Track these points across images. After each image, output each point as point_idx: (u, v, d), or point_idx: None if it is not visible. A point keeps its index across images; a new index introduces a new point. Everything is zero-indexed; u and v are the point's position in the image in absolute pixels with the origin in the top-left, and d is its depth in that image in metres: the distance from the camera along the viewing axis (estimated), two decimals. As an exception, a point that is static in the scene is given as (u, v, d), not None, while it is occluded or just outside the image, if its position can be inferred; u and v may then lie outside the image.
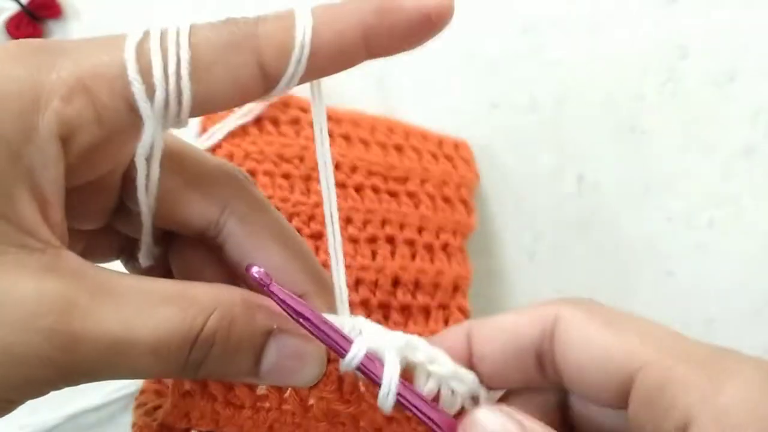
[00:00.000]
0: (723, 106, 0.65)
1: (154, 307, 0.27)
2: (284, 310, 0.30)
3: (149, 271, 0.35)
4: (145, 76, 0.27)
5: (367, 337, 0.32)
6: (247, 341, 0.29)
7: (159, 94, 0.27)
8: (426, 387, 0.32)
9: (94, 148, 0.28)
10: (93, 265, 0.28)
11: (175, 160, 0.32)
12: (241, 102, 0.29)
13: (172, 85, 0.28)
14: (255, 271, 0.29)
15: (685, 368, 0.28)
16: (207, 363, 0.29)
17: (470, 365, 0.33)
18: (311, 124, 0.38)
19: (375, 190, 0.55)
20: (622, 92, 0.65)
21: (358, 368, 0.31)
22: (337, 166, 0.54)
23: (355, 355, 0.31)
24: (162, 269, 0.35)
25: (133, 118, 0.28)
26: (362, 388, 0.33)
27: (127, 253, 0.36)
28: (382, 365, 0.31)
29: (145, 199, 0.31)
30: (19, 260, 0.26)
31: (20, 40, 0.28)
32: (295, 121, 0.56)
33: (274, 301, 0.30)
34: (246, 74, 0.28)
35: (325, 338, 0.30)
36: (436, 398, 0.32)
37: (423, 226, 0.54)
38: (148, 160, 0.30)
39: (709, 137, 0.65)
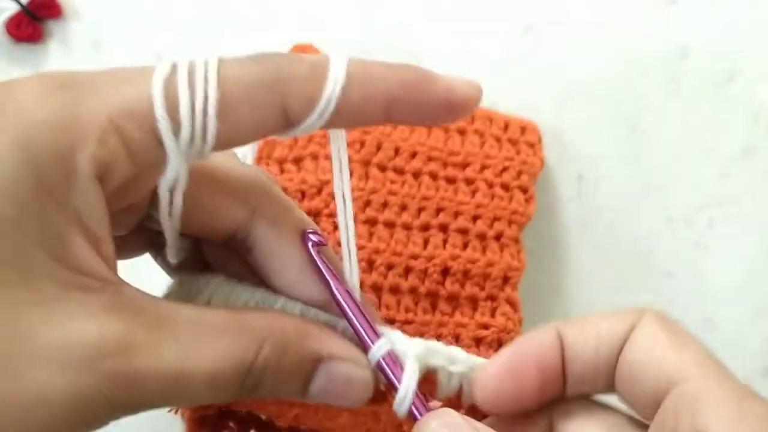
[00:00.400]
0: (723, 106, 0.65)
1: (209, 338, 0.28)
2: (324, 283, 0.32)
3: (181, 265, 0.35)
4: (172, 113, 0.28)
5: (393, 337, 0.33)
6: (297, 368, 0.31)
7: (185, 132, 0.28)
8: (450, 386, 0.34)
9: (128, 182, 0.29)
10: (151, 297, 0.29)
11: (203, 168, 0.33)
12: (258, 139, 0.30)
13: (198, 122, 0.28)
14: (312, 236, 0.31)
15: (720, 392, 0.30)
16: (260, 388, 0.30)
17: (561, 367, 0.33)
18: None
19: (433, 176, 0.55)
20: (622, 92, 0.65)
21: (379, 366, 0.32)
22: (396, 151, 0.55)
23: (380, 348, 0.32)
24: (194, 261, 0.36)
25: (162, 152, 0.29)
26: (382, 387, 0.34)
27: (156, 248, 0.36)
28: (402, 370, 0.33)
29: (168, 224, 0.32)
30: (81, 302, 0.27)
31: (44, 74, 0.29)
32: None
33: (318, 269, 0.32)
34: (269, 115, 0.29)
35: (355, 324, 0.32)
36: (459, 395, 0.35)
37: (478, 215, 0.54)
38: (172, 191, 0.30)
39: (709, 137, 0.65)
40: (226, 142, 0.29)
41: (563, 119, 0.65)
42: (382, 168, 0.54)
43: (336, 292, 0.32)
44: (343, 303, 0.32)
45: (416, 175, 0.55)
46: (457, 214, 0.54)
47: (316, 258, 0.32)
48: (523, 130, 0.61)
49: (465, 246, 0.53)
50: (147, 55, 0.66)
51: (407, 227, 0.53)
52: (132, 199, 0.31)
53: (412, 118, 0.32)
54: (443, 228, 0.53)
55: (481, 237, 0.54)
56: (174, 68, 0.30)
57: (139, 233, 0.35)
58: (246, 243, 0.34)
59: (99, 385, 0.26)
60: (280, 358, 0.30)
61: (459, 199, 0.55)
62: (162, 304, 0.29)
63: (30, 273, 0.26)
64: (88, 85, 0.28)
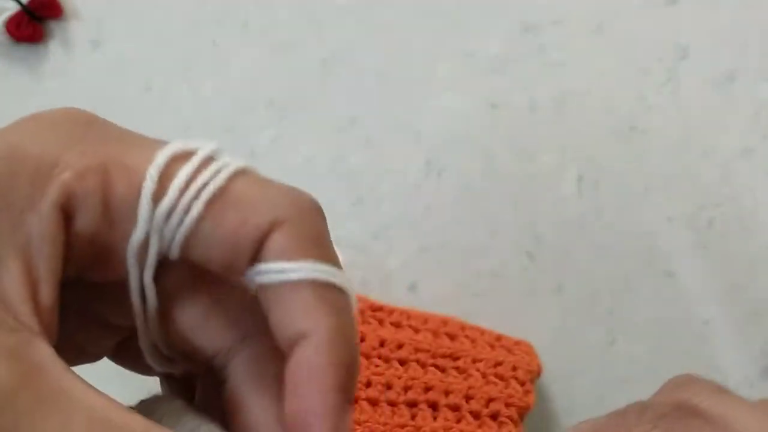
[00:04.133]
0: (723, 106, 0.65)
1: None
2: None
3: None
4: (163, 180, 0.25)
5: None
6: None
7: (165, 204, 0.25)
8: None
9: (97, 239, 0.26)
10: (63, 366, 0.24)
11: (199, 279, 0.28)
12: (224, 271, 0.27)
13: (183, 204, 0.25)
14: None
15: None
16: None
17: None
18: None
19: (421, 364, 0.52)
20: (622, 92, 0.65)
21: None
22: (381, 344, 0.52)
23: None
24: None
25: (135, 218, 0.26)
26: None
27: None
28: None
29: (140, 312, 0.28)
30: None
31: (71, 108, 0.27)
32: None
33: None
34: (247, 240, 0.26)
35: None
36: None
37: (471, 395, 0.52)
38: (141, 269, 0.27)
39: (709, 137, 0.65)
40: (200, 239, 0.26)
41: (563, 119, 0.65)
42: (367, 356, 0.51)
43: None
44: None
45: (402, 362, 0.52)
46: (447, 393, 0.51)
47: None
48: (517, 344, 0.60)
49: (458, 421, 0.50)
50: (146, 56, 0.66)
51: (392, 404, 0.50)
52: (104, 270, 0.27)
53: None
54: (433, 405, 0.51)
55: (476, 415, 0.51)
56: (191, 151, 0.26)
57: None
58: (221, 373, 0.29)
59: None
60: None
61: (449, 381, 0.52)
62: (70, 378, 0.24)
63: None
64: (104, 130, 0.26)
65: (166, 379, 0.30)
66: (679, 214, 0.65)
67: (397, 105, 0.67)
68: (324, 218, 0.26)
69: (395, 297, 0.65)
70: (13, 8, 0.64)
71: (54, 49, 0.67)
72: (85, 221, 0.25)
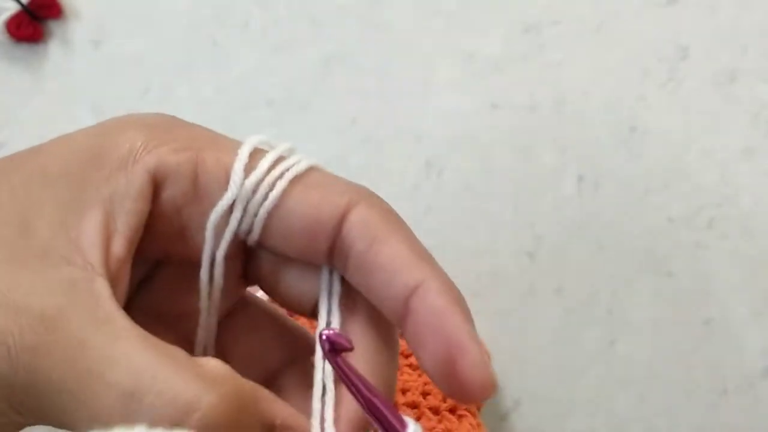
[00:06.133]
0: (723, 106, 0.65)
1: (156, 368, 0.25)
2: (352, 387, 0.27)
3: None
4: (251, 161, 0.28)
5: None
6: (248, 429, 0.27)
7: (253, 177, 0.27)
8: None
9: (183, 212, 0.28)
10: (116, 303, 0.26)
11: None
12: (308, 250, 0.28)
13: (268, 181, 0.27)
14: (331, 338, 0.27)
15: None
16: None
17: None
18: None
19: None
20: (622, 92, 0.65)
21: None
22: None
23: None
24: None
25: (222, 194, 0.28)
26: None
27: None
28: None
29: (205, 289, 0.29)
30: (45, 268, 0.25)
31: (158, 113, 0.30)
32: None
33: (341, 373, 0.27)
34: (329, 218, 0.27)
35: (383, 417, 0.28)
36: None
37: (427, 391, 0.52)
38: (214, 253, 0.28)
39: (709, 137, 0.65)
40: (282, 217, 0.27)
41: (563, 119, 0.65)
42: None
43: (370, 397, 0.27)
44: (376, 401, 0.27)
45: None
46: (404, 391, 0.51)
47: (344, 371, 0.27)
48: None
49: (418, 418, 0.50)
50: (147, 56, 0.66)
51: None
52: (180, 241, 0.29)
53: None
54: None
55: (435, 410, 0.51)
56: (273, 147, 0.29)
57: None
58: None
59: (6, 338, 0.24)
60: (233, 414, 0.25)
61: (404, 378, 0.51)
62: (120, 313, 0.26)
63: (31, 226, 0.26)
64: (195, 128, 0.29)
65: None
66: (679, 214, 0.65)
67: (397, 105, 0.67)
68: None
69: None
70: (13, 8, 0.64)
71: (54, 49, 0.67)
72: (173, 191, 0.27)
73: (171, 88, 0.69)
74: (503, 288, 0.67)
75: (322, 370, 0.28)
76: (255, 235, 0.28)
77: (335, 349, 0.27)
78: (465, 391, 0.26)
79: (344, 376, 0.27)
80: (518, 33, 0.66)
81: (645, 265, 0.65)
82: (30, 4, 0.64)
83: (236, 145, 0.28)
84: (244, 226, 0.28)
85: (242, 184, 0.27)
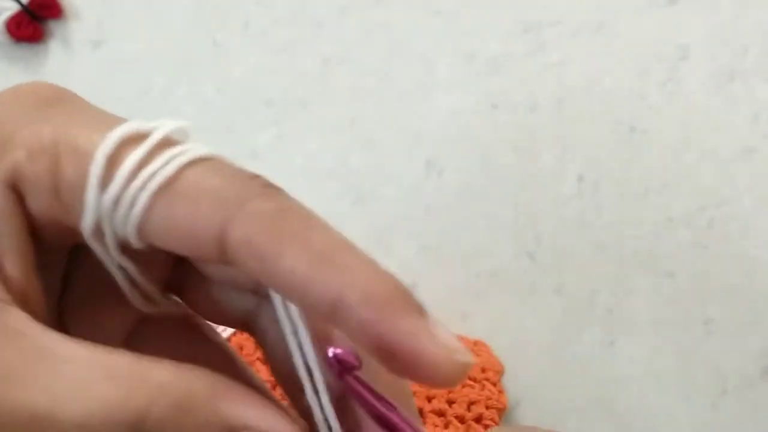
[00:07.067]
0: (723, 107, 0.65)
1: (93, 382, 0.24)
2: (367, 405, 0.25)
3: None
4: (112, 166, 0.24)
5: None
6: None
7: (111, 191, 0.24)
8: None
9: (55, 220, 0.25)
10: (42, 327, 0.24)
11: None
12: (187, 253, 0.25)
13: (130, 193, 0.24)
14: (341, 356, 0.24)
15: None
16: None
17: None
18: None
19: None
20: (622, 92, 0.65)
21: None
22: None
23: None
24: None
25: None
26: None
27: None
28: None
29: (123, 282, 0.27)
30: None
31: (38, 83, 0.27)
32: None
33: (354, 393, 0.25)
34: (205, 235, 0.24)
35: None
36: None
37: (452, 399, 0.52)
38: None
39: (709, 137, 0.65)
40: (152, 231, 0.25)
41: (563, 119, 0.65)
42: None
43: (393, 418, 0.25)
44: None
45: None
46: (429, 399, 0.51)
47: (356, 391, 0.25)
48: (475, 344, 0.60)
49: (446, 426, 0.50)
50: (146, 56, 0.66)
51: None
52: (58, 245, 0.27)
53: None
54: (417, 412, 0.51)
55: (461, 419, 0.51)
56: (145, 132, 0.25)
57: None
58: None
59: None
60: (181, 420, 0.24)
61: (427, 387, 0.52)
62: (52, 336, 0.24)
63: None
64: (63, 106, 0.26)
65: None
66: (679, 214, 0.65)
67: (397, 105, 0.67)
68: (283, 194, 0.24)
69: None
70: (13, 8, 0.65)
71: (54, 49, 0.67)
72: (37, 204, 0.25)
73: (171, 88, 0.69)
74: (503, 288, 0.67)
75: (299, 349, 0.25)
76: (134, 242, 0.25)
77: (344, 369, 0.25)
78: (440, 385, 0.24)
79: (358, 396, 0.25)
80: (518, 33, 0.66)
81: (645, 265, 0.65)
82: (30, 4, 0.64)
83: (97, 140, 0.24)
84: (119, 235, 0.25)
85: (98, 204, 0.24)
